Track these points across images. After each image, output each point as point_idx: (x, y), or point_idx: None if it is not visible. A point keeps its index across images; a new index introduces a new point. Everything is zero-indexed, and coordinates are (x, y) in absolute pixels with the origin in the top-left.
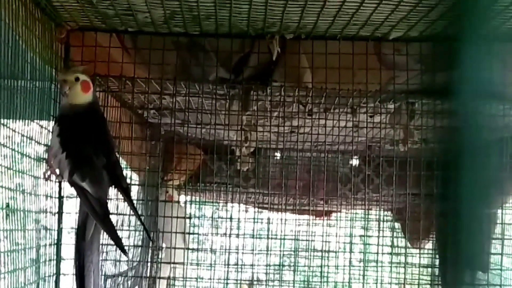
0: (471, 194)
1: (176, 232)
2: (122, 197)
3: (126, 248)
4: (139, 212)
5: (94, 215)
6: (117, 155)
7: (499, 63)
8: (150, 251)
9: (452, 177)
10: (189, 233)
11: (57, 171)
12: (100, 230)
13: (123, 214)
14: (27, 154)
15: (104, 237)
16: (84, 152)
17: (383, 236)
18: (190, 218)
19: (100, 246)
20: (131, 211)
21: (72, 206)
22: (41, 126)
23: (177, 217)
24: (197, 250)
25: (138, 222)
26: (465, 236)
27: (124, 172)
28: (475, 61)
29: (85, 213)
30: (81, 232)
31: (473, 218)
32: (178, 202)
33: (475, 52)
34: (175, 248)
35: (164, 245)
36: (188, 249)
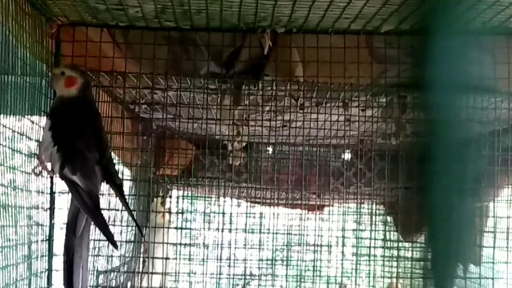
0: (446, 186)
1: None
2: (114, 193)
3: (118, 243)
4: (131, 207)
5: (85, 208)
6: (110, 151)
7: (488, 56)
8: (142, 246)
9: (429, 170)
10: (181, 228)
11: (49, 166)
12: (90, 226)
13: (115, 210)
14: (19, 150)
15: (96, 233)
16: (76, 146)
17: (375, 230)
18: (182, 213)
19: (90, 241)
20: (124, 207)
21: (64, 201)
22: (32, 122)
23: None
24: (189, 245)
25: (130, 218)
26: (440, 229)
27: (116, 167)
28: (447, 54)
29: (76, 208)
30: (71, 228)
31: (446, 211)
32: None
33: (447, 45)
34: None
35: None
36: (180, 243)
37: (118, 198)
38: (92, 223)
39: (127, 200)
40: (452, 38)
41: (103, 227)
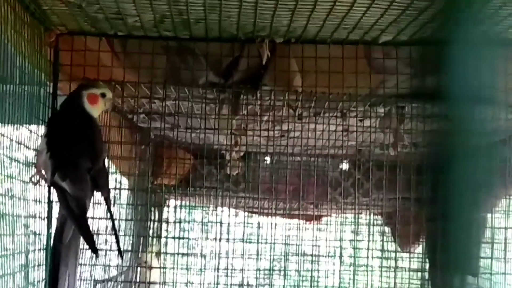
0: (460, 198)
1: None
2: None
3: (115, 253)
4: (130, 217)
5: (70, 214)
6: (105, 162)
7: (489, 67)
8: (140, 256)
9: (442, 181)
10: (178, 238)
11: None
12: (79, 235)
13: (112, 219)
14: (17, 159)
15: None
16: (68, 153)
17: (373, 240)
18: (180, 222)
19: (86, 251)
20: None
21: None
22: (31, 131)
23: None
24: (187, 254)
25: (128, 227)
26: (455, 240)
27: (114, 176)
28: (464, 65)
29: (64, 216)
30: (58, 235)
31: (462, 222)
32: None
33: (464, 55)
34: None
35: None
36: (177, 253)
37: (109, 209)
38: None
39: (112, 214)
40: (471, 48)
41: (85, 233)
